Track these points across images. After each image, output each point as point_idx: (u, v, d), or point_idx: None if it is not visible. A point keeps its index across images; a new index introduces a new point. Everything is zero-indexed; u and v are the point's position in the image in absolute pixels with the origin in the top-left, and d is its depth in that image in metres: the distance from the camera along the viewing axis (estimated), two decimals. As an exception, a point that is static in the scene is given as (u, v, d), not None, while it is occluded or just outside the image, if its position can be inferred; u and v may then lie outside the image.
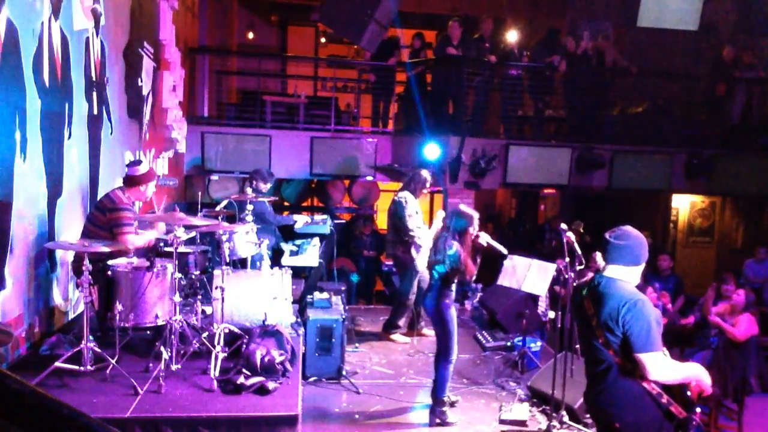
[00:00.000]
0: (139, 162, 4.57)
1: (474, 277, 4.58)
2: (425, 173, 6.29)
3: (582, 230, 8.02)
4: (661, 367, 2.70)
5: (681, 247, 11.60)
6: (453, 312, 4.52)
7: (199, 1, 9.71)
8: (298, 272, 5.82)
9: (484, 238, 4.54)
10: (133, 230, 4.37)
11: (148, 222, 4.63)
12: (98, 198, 4.85)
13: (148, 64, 6.69)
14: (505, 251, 4.86)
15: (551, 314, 6.65)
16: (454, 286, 4.54)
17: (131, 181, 4.47)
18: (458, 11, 11.30)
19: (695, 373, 2.81)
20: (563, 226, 4.56)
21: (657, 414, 2.75)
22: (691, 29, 8.73)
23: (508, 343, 6.19)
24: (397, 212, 6.13)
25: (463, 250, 4.40)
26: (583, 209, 11.31)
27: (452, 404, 4.73)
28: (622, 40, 9.99)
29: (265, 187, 6.32)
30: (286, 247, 6.29)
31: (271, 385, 3.84)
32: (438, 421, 4.49)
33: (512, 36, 10.78)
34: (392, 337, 6.32)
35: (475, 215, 4.51)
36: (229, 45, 12.78)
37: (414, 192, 6.19)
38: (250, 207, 5.11)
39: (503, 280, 5.75)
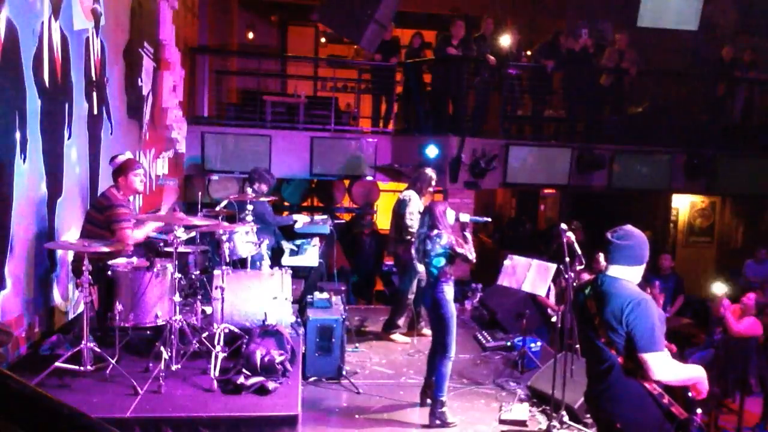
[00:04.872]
0: (117, 155, 4.61)
1: (474, 255, 4.59)
2: (430, 171, 6.25)
3: (575, 228, 7.91)
4: (665, 367, 2.69)
5: (681, 247, 11.59)
6: (452, 307, 4.51)
7: (199, 1, 9.70)
8: (298, 272, 5.81)
9: (465, 217, 4.68)
10: (131, 225, 4.38)
11: (144, 221, 4.64)
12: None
13: (148, 64, 6.69)
14: (488, 220, 5.11)
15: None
16: (452, 282, 4.54)
17: (116, 174, 4.50)
18: (459, 11, 11.29)
19: (698, 376, 2.80)
20: (563, 226, 4.56)
21: (658, 414, 2.75)
22: (691, 29, 8.73)
23: (508, 343, 6.18)
24: (399, 211, 6.13)
25: (450, 234, 4.48)
26: (583, 209, 11.31)
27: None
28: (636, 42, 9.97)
29: (266, 188, 6.32)
30: (287, 245, 6.28)
31: (271, 385, 3.83)
32: (438, 421, 4.48)
33: (513, 36, 10.78)
34: (392, 337, 6.31)
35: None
36: (229, 45, 12.76)
37: (420, 191, 6.17)
38: (250, 207, 5.11)
39: (503, 280, 5.74)
